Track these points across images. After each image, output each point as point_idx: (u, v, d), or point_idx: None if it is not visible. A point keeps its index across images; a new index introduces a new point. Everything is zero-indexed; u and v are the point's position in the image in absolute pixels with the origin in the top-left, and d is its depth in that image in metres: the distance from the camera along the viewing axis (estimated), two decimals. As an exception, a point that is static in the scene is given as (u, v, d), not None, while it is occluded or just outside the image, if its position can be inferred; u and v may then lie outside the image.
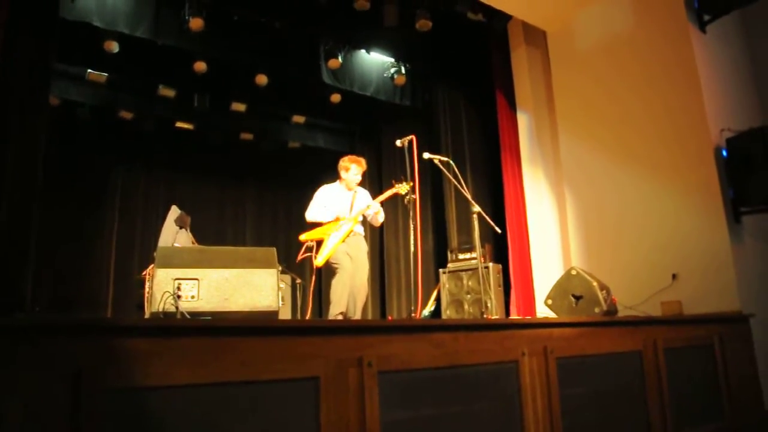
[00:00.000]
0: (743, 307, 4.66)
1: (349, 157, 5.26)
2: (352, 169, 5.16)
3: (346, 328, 2.34)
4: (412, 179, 4.43)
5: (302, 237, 5.07)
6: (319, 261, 4.90)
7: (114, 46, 6.48)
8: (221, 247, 3.02)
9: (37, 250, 5.92)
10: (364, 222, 5.29)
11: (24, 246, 5.17)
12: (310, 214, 5.10)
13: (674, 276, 5.12)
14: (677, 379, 3.66)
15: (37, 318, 1.66)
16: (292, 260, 5.36)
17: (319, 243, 4.99)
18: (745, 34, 6.10)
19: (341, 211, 5.04)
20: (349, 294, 4.84)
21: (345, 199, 5.15)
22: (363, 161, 5.28)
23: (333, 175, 5.37)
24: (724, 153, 5.12)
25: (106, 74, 7.40)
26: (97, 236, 8.32)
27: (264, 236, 9.84)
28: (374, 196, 5.37)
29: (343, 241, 4.94)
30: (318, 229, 5.04)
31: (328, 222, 5.01)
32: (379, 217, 5.24)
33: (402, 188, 4.99)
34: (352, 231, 5.02)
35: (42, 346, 1.62)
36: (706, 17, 5.43)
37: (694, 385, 3.84)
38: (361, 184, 5.38)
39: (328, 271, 5.03)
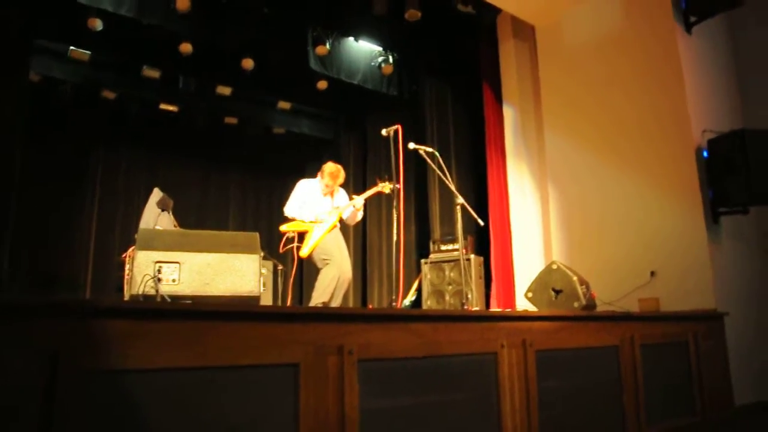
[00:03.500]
0: (718, 305, 4.75)
1: (329, 168, 5.16)
2: (325, 179, 5.12)
3: (327, 315, 2.35)
4: (397, 168, 4.42)
5: (283, 228, 5.05)
6: (303, 252, 4.89)
7: (97, 24, 6.35)
8: (203, 231, 3.00)
9: (16, 230, 5.83)
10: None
11: (1, 226, 5.09)
12: (289, 211, 5.07)
13: (653, 273, 5.19)
14: (652, 374, 3.72)
15: (13, 297, 1.63)
16: (275, 246, 5.33)
17: (301, 234, 4.98)
18: (730, 37, 6.16)
19: (320, 211, 5.02)
20: (336, 285, 4.85)
21: (324, 199, 5.16)
22: (340, 177, 5.20)
23: (317, 163, 5.34)
24: (705, 154, 5.18)
25: (89, 52, 7.27)
26: (77, 217, 8.20)
27: (247, 221, 9.79)
28: (357, 187, 5.37)
29: (329, 231, 4.94)
30: (299, 221, 5.03)
31: (307, 222, 4.98)
32: (358, 215, 5.25)
33: (386, 187, 5.01)
34: (336, 225, 5.04)
35: (18, 326, 1.60)
36: (693, 19, 5.48)
37: (669, 380, 3.91)
38: (346, 172, 5.35)
39: (311, 261, 5.01)
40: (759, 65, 5.95)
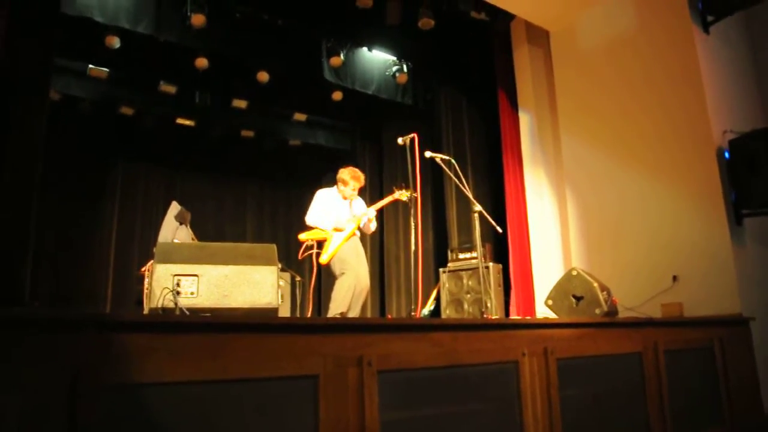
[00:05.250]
0: (744, 309, 4.65)
1: (350, 172, 5.23)
2: (350, 185, 5.18)
3: (346, 326, 2.33)
4: (414, 177, 4.40)
5: (302, 236, 5.07)
6: (323, 258, 4.92)
7: (115, 42, 6.46)
8: (221, 244, 3.01)
9: (37, 245, 5.90)
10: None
11: (23, 241, 5.15)
12: (311, 220, 5.11)
13: (675, 278, 5.11)
14: (677, 381, 3.64)
15: (35, 313, 1.64)
16: (292, 258, 5.36)
17: (320, 242, 5.01)
18: (748, 35, 6.08)
19: (339, 220, 5.05)
20: (353, 295, 4.85)
21: (343, 207, 5.18)
22: (362, 177, 5.28)
23: (333, 173, 5.37)
24: (727, 154, 5.10)
25: (107, 70, 7.38)
26: (96, 232, 8.31)
27: (264, 233, 9.84)
28: (374, 197, 5.38)
29: (348, 239, 4.96)
30: (318, 230, 5.05)
31: (329, 230, 5.02)
32: (371, 225, 5.25)
33: (402, 195, 5.03)
34: (354, 233, 5.06)
35: (40, 341, 1.61)
36: (710, 18, 5.41)
37: (694, 387, 3.83)
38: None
39: (329, 270, 5.03)
40: (779, 64, 5.86)
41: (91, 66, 7.27)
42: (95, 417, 1.63)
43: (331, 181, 5.51)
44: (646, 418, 3.41)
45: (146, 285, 5.42)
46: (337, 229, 5.00)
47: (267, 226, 10.06)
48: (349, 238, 5.01)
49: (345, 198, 5.19)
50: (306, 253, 5.02)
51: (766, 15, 5.86)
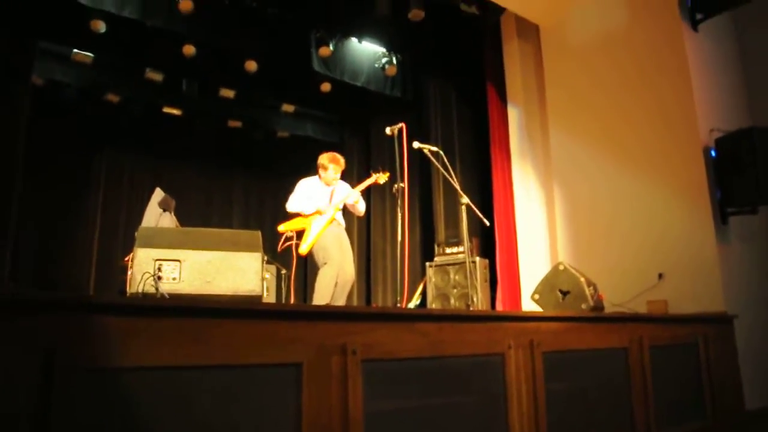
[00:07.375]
0: (728, 307, 4.67)
1: (329, 156, 5.19)
2: (330, 170, 5.13)
3: (331, 314, 2.30)
4: (401, 167, 4.36)
5: (281, 228, 5.04)
6: (303, 249, 4.88)
7: (101, 26, 6.34)
8: (205, 229, 2.95)
9: (19, 233, 5.80)
10: (346, 214, 5.26)
11: (3, 230, 5.06)
12: (291, 206, 5.08)
13: (660, 275, 5.12)
14: (661, 377, 3.65)
15: (10, 293, 1.59)
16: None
17: (300, 233, 4.98)
18: (737, 34, 6.11)
19: (321, 204, 5.01)
20: (336, 285, 4.80)
21: (325, 192, 5.13)
22: (341, 160, 5.23)
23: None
24: (713, 153, 5.12)
25: (92, 55, 7.25)
26: (80, 221, 8.18)
27: (250, 225, 9.75)
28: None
29: (326, 228, 4.91)
30: (297, 219, 5.01)
31: (309, 214, 4.97)
32: (359, 206, 5.22)
33: (381, 177, 5.03)
34: (334, 219, 5.00)
35: (14, 322, 1.56)
36: (699, 16, 5.42)
37: (678, 383, 3.84)
38: (350, 174, 5.33)
39: (312, 260, 4.98)
40: (766, 63, 5.89)
41: (75, 50, 7.13)
42: (71, 401, 1.58)
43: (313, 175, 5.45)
44: (630, 413, 3.41)
45: (129, 273, 5.35)
46: (318, 212, 4.95)
47: (253, 217, 9.98)
48: (329, 224, 4.95)
49: (327, 185, 5.14)
50: (285, 245, 4.99)
51: (754, 14, 5.88)
